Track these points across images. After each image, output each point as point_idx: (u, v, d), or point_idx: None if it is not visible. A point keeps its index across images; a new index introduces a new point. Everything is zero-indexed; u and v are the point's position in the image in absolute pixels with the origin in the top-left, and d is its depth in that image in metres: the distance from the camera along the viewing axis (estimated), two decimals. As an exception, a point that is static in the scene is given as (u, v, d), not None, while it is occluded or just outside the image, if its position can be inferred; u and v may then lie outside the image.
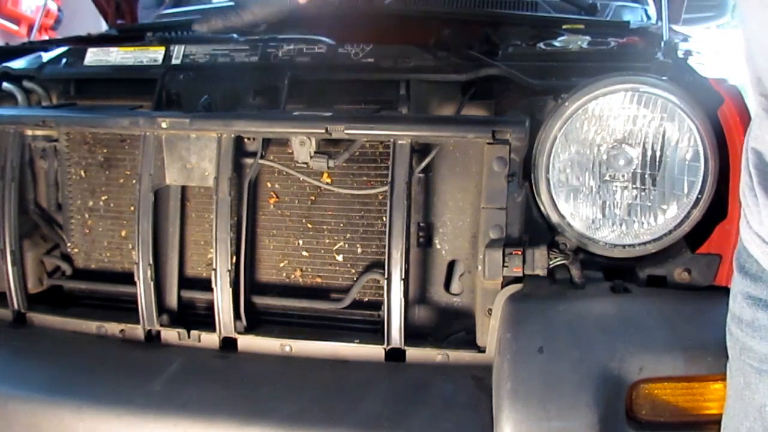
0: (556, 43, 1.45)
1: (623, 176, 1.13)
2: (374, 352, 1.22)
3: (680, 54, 1.28)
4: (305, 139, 1.20)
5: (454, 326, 1.28)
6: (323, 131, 1.17)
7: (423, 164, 1.24)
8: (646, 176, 1.13)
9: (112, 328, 1.33)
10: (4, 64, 1.49)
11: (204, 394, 1.13)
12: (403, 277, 1.19)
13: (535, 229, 1.21)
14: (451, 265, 1.29)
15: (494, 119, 1.27)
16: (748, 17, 0.75)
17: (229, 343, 1.28)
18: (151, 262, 1.28)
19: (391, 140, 1.20)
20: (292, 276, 1.34)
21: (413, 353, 1.21)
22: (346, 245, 1.30)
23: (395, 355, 1.22)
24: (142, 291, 1.29)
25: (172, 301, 1.33)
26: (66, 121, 1.35)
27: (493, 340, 1.16)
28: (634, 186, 1.13)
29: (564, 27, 1.62)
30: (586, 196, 1.16)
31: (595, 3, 1.96)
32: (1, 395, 1.15)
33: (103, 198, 1.42)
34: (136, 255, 1.29)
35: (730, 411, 0.91)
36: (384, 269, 1.20)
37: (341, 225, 1.30)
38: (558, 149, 1.15)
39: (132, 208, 1.35)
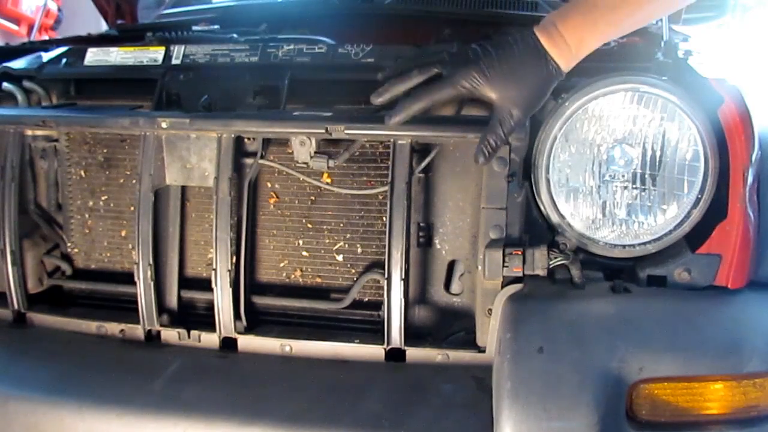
0: (556, 43, 1.44)
1: (623, 176, 1.13)
2: (374, 352, 1.22)
3: (680, 54, 1.28)
4: (305, 139, 1.20)
5: (454, 326, 1.28)
6: (323, 131, 1.17)
7: (423, 164, 1.24)
8: (646, 176, 1.13)
9: (112, 328, 1.33)
10: (4, 64, 1.49)
11: (204, 394, 1.13)
12: (403, 277, 1.19)
13: (535, 229, 1.20)
14: (451, 265, 1.29)
15: (494, 119, 1.27)
16: None
17: (229, 343, 1.28)
18: (151, 262, 1.28)
19: (391, 140, 1.20)
20: (292, 276, 1.34)
21: (413, 353, 1.21)
22: (346, 245, 1.30)
23: (395, 355, 1.22)
24: (142, 291, 1.29)
25: (172, 301, 1.33)
26: (66, 121, 1.34)
27: (493, 340, 1.16)
28: (634, 186, 1.13)
29: (564, 27, 1.61)
30: (586, 196, 1.16)
31: (596, 3, 1.96)
32: (1, 395, 1.15)
33: (103, 198, 1.42)
34: (136, 255, 1.29)
35: None
36: (384, 269, 1.20)
37: (341, 225, 1.30)
38: (558, 149, 1.15)
39: (132, 208, 1.35)
